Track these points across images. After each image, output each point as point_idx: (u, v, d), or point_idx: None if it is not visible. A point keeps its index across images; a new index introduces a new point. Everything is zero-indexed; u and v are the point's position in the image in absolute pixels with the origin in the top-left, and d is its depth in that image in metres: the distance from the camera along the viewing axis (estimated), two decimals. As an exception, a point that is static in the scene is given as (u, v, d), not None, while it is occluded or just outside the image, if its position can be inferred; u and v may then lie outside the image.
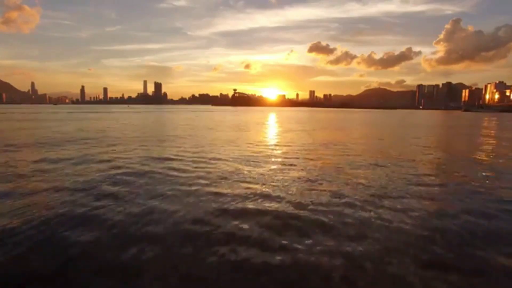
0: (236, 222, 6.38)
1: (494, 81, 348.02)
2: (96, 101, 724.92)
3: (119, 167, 11.66)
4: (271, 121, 52.07)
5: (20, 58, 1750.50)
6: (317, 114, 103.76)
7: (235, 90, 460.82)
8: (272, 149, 17.31)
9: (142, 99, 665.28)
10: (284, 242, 5.52)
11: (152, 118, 55.53)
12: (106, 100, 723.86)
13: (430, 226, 6.38)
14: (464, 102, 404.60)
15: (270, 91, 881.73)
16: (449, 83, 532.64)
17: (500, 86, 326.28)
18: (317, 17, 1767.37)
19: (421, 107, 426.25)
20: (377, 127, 39.87)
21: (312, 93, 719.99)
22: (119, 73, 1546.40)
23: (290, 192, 8.61)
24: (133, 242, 5.43)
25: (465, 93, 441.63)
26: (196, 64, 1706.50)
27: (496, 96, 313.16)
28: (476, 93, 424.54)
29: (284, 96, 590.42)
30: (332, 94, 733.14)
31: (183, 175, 10.56)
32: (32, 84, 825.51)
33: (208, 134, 25.69)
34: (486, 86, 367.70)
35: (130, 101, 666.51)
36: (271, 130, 33.60)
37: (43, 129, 29.15)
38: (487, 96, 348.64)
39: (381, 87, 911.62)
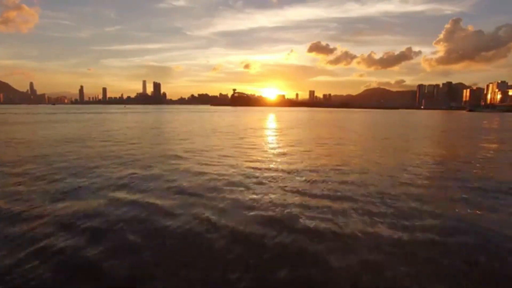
0: None
1: (494, 80, 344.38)
2: (95, 101, 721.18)
3: None
4: (271, 124, 48.28)
5: (19, 58, 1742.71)
6: (318, 114, 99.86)
7: (234, 90, 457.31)
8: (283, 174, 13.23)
9: (141, 99, 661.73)
10: None
11: (142, 122, 51.00)
12: (105, 100, 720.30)
13: None
14: (465, 102, 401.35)
15: (270, 91, 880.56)
16: (449, 83, 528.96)
17: (502, 86, 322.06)
18: (317, 17, 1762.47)
19: (422, 107, 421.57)
20: (392, 132, 35.69)
21: (311, 93, 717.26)
22: (119, 73, 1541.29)
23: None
24: None
25: (466, 93, 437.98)
26: (196, 64, 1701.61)
27: (499, 96, 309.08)
28: (478, 93, 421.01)
29: (283, 96, 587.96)
30: (332, 94, 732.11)
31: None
32: (31, 84, 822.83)
33: (203, 150, 18.34)
34: (488, 86, 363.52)
35: (129, 101, 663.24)
36: (273, 139, 29.46)
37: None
38: (488, 96, 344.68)
39: (381, 87, 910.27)
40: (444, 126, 48.40)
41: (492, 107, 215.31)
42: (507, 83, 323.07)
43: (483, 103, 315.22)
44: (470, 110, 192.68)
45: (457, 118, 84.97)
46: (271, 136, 27.73)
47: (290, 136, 27.07)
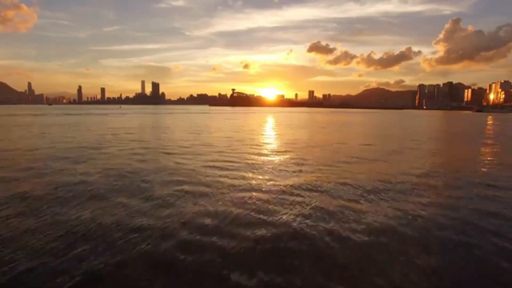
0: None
1: (493, 81, 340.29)
2: (93, 101, 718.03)
3: None
4: (272, 133, 43.27)
5: (17, 58, 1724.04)
6: (320, 116, 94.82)
7: (233, 90, 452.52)
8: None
9: (140, 99, 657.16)
10: None
11: (118, 128, 45.73)
12: (104, 100, 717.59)
13: None
14: (466, 102, 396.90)
15: (269, 91, 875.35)
16: (450, 83, 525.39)
17: (506, 86, 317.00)
18: (315, 17, 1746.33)
19: (424, 107, 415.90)
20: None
21: (311, 93, 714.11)
22: (117, 73, 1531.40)
23: None
24: None
25: (467, 93, 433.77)
26: (195, 64, 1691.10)
27: (502, 96, 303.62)
28: (479, 93, 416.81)
29: (283, 96, 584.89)
30: (331, 94, 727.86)
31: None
32: (29, 84, 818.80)
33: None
34: (490, 86, 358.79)
35: (127, 101, 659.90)
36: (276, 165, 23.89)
37: None
38: (491, 96, 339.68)
39: (380, 87, 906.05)
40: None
41: (501, 107, 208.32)
42: (510, 83, 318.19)
43: (485, 103, 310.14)
44: (478, 111, 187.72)
45: (478, 121, 79.66)
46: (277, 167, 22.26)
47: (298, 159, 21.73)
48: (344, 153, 18.93)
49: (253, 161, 15.81)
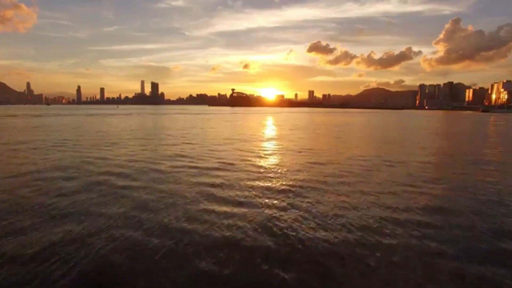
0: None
1: (493, 81, 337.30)
2: (93, 101, 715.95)
3: None
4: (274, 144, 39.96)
5: (16, 58, 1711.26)
6: (321, 116, 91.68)
7: (233, 89, 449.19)
8: None
9: (139, 99, 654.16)
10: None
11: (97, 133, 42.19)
12: (103, 100, 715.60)
13: None
14: (467, 102, 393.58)
15: (269, 91, 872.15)
16: (450, 83, 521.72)
17: (508, 86, 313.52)
18: (315, 17, 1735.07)
19: (426, 107, 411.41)
20: None
21: (311, 93, 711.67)
22: (117, 73, 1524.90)
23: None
24: None
25: (469, 93, 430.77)
26: (194, 64, 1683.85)
27: (505, 96, 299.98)
28: (480, 92, 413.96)
29: (282, 96, 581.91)
30: (331, 94, 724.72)
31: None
32: (28, 84, 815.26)
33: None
34: (492, 86, 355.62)
35: (127, 101, 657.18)
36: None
37: None
38: (493, 96, 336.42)
39: (380, 87, 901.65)
40: None
41: (507, 107, 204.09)
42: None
43: (487, 103, 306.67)
44: (483, 111, 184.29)
45: (492, 122, 76.36)
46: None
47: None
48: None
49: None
